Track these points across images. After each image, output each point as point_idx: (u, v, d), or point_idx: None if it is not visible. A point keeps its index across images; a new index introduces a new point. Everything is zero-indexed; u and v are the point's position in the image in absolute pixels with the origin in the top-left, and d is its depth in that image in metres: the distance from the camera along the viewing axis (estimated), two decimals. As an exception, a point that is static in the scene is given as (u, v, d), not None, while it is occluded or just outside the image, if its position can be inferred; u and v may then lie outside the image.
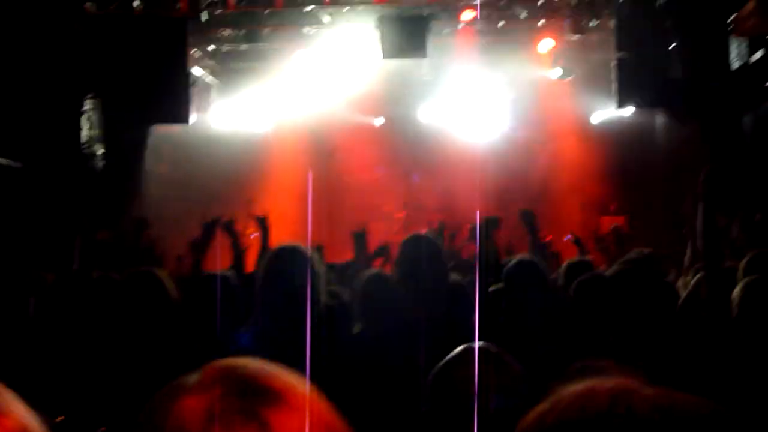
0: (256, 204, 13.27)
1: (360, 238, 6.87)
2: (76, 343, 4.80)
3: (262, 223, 6.72)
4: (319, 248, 9.63)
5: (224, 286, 5.10)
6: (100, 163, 14.09)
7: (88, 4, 13.98)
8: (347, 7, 15.33)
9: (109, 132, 14.11)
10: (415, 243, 5.04)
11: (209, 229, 6.32)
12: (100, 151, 14.20)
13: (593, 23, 15.04)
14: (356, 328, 4.88)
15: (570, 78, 16.71)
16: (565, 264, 6.34)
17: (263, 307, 4.68)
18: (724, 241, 6.38)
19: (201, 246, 6.19)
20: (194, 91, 14.46)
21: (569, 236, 11.71)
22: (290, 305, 4.49)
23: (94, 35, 13.80)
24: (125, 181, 14.32)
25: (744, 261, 5.42)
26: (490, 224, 6.19)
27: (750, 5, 12.27)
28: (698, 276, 5.46)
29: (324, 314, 4.59)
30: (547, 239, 9.29)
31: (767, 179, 11.66)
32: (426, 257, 4.83)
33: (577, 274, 5.62)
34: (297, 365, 1.50)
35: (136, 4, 14.48)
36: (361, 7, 15.19)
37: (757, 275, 4.78)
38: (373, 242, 8.02)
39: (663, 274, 6.31)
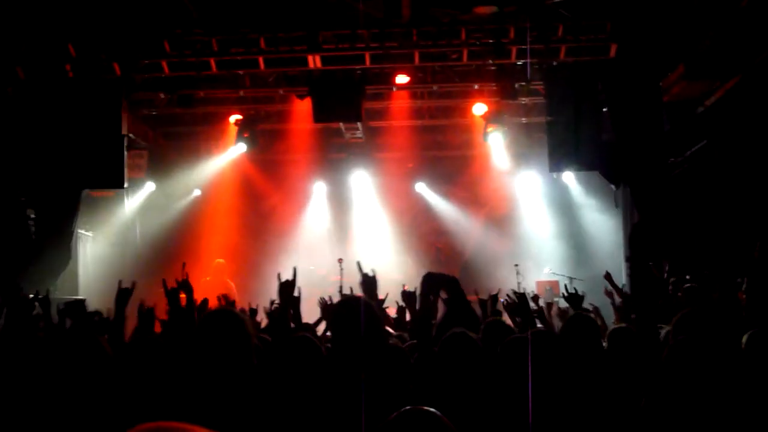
0: (189, 267, 13.12)
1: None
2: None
3: (186, 286, 6.68)
4: (253, 311, 9.64)
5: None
6: (31, 227, 13.94)
7: (20, 69, 13.89)
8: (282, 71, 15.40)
9: (41, 195, 13.98)
10: (350, 306, 5.02)
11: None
12: (32, 214, 14.06)
13: (525, 88, 15.24)
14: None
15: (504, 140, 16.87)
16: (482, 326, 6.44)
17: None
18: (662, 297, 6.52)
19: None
20: (129, 155, 14.37)
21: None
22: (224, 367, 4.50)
23: (26, 99, 13.71)
24: (56, 244, 14.12)
25: (674, 319, 5.55)
26: (432, 286, 6.24)
27: (678, 70, 12.62)
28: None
29: (256, 379, 4.59)
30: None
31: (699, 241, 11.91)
32: (362, 320, 4.82)
33: (495, 335, 5.78)
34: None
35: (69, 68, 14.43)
36: (296, 72, 15.27)
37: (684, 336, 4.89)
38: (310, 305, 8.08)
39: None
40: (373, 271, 6.10)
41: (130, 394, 4.80)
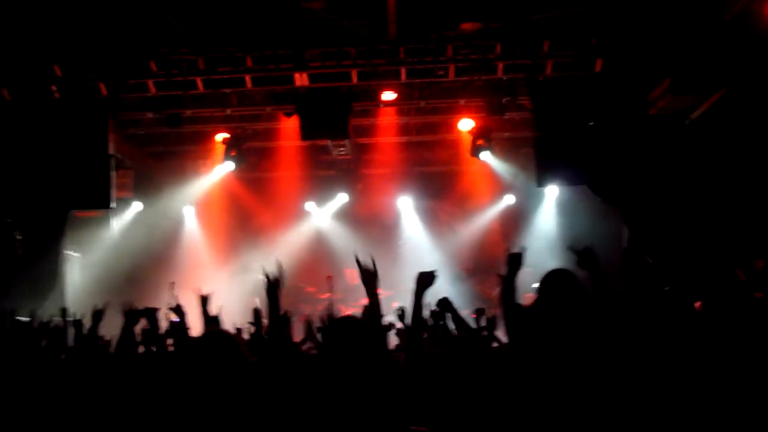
0: (178, 286, 13.09)
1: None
2: None
3: (179, 312, 6.69)
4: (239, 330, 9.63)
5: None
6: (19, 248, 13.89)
7: (6, 90, 13.86)
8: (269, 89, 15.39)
9: (28, 216, 13.93)
10: (344, 327, 4.99)
11: (132, 317, 6.28)
12: (19, 236, 14.01)
13: (511, 103, 15.28)
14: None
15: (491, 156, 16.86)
16: None
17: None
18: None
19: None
20: (115, 175, 14.32)
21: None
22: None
23: (12, 120, 13.68)
24: (44, 265, 14.08)
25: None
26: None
27: (664, 84, 12.67)
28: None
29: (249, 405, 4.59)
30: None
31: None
32: (354, 341, 4.79)
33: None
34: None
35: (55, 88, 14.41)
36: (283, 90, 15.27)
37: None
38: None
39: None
40: (373, 262, 5.95)
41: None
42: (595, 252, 5.94)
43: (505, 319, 5.96)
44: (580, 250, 6.02)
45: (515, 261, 6.07)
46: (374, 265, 5.82)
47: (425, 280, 5.96)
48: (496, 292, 15.18)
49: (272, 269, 5.65)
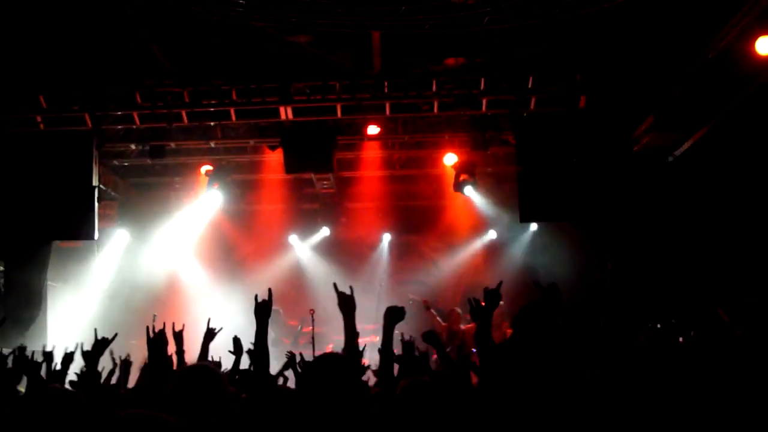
0: (160, 319, 13.03)
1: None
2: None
3: (178, 338, 6.70)
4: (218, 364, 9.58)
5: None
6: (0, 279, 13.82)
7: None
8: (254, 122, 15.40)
9: (11, 247, 13.87)
10: (326, 364, 4.97)
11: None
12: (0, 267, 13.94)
13: (495, 138, 15.33)
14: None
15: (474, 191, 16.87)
16: None
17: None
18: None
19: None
20: (99, 206, 14.27)
21: None
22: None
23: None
24: (26, 296, 14.00)
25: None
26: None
27: (648, 120, 12.76)
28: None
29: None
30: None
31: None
32: (337, 379, 4.78)
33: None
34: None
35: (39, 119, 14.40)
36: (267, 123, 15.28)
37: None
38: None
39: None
40: (350, 289, 6.07)
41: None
42: (559, 289, 6.01)
43: (480, 355, 5.96)
44: (545, 287, 6.08)
45: (492, 297, 6.07)
46: (352, 292, 5.94)
47: (394, 314, 6.12)
48: (457, 326, 15.23)
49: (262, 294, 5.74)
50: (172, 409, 4.61)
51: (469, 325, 14.82)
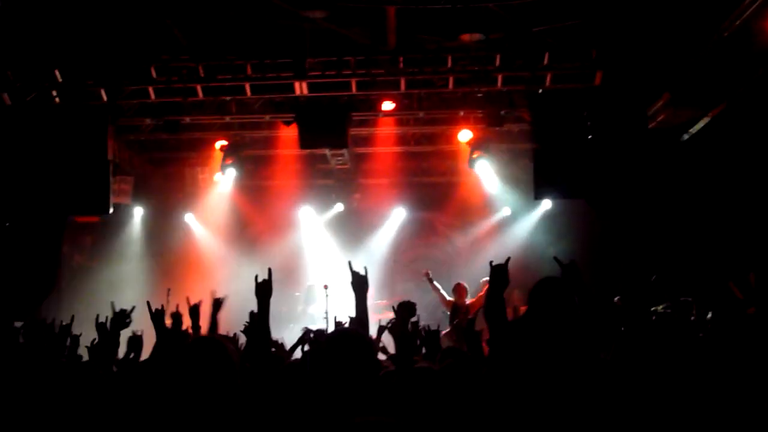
0: (174, 293, 13.10)
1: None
2: None
3: (194, 312, 6.73)
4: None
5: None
6: (16, 253, 13.88)
7: (6, 95, 13.88)
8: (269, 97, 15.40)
9: (26, 221, 13.92)
10: (343, 341, 4.96)
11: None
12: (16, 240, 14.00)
13: (510, 115, 15.31)
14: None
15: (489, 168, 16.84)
16: None
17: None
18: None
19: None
20: (114, 181, 14.31)
21: None
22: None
23: (11, 125, 13.67)
24: (41, 269, 14.07)
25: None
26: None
27: (664, 98, 12.69)
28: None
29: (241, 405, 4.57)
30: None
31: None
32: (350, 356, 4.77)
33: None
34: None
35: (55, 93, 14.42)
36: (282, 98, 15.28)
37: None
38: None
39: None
40: (365, 269, 6.05)
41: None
42: (578, 267, 5.95)
43: (492, 334, 5.91)
44: (565, 264, 6.00)
45: (500, 274, 5.89)
46: (366, 272, 5.92)
47: (406, 310, 6.12)
48: (463, 300, 15.19)
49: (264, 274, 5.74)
50: (180, 382, 4.64)
51: (473, 299, 14.79)
